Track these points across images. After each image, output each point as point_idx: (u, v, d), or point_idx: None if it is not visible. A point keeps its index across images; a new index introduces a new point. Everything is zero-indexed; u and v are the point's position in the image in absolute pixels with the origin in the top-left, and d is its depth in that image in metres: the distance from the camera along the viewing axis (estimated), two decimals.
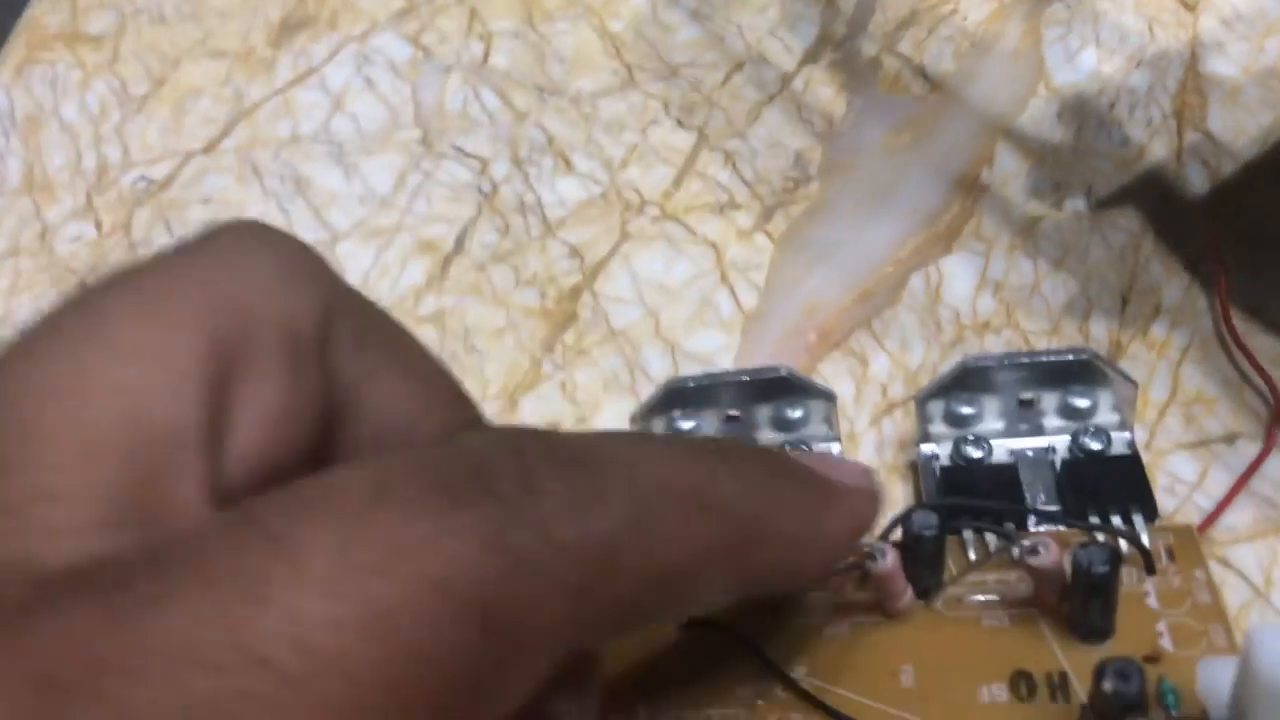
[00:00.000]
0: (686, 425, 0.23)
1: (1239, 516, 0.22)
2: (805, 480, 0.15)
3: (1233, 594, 0.21)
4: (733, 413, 0.23)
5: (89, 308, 0.13)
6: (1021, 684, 0.19)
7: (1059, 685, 0.19)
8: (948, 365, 0.22)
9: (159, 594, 0.10)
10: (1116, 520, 0.21)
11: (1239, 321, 0.24)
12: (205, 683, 0.10)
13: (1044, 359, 0.22)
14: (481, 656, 0.11)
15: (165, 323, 0.12)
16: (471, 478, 0.12)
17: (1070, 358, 0.22)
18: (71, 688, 0.10)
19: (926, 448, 0.23)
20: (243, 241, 0.13)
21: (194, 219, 0.31)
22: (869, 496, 0.16)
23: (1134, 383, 0.22)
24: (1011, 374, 0.22)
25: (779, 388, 0.23)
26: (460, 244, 0.29)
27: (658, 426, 0.23)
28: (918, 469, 0.23)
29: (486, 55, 0.34)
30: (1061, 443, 0.22)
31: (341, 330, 0.14)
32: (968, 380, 0.22)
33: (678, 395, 0.23)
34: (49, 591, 0.11)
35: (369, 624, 0.10)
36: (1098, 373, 0.22)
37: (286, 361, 0.13)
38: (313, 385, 0.13)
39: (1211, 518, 0.21)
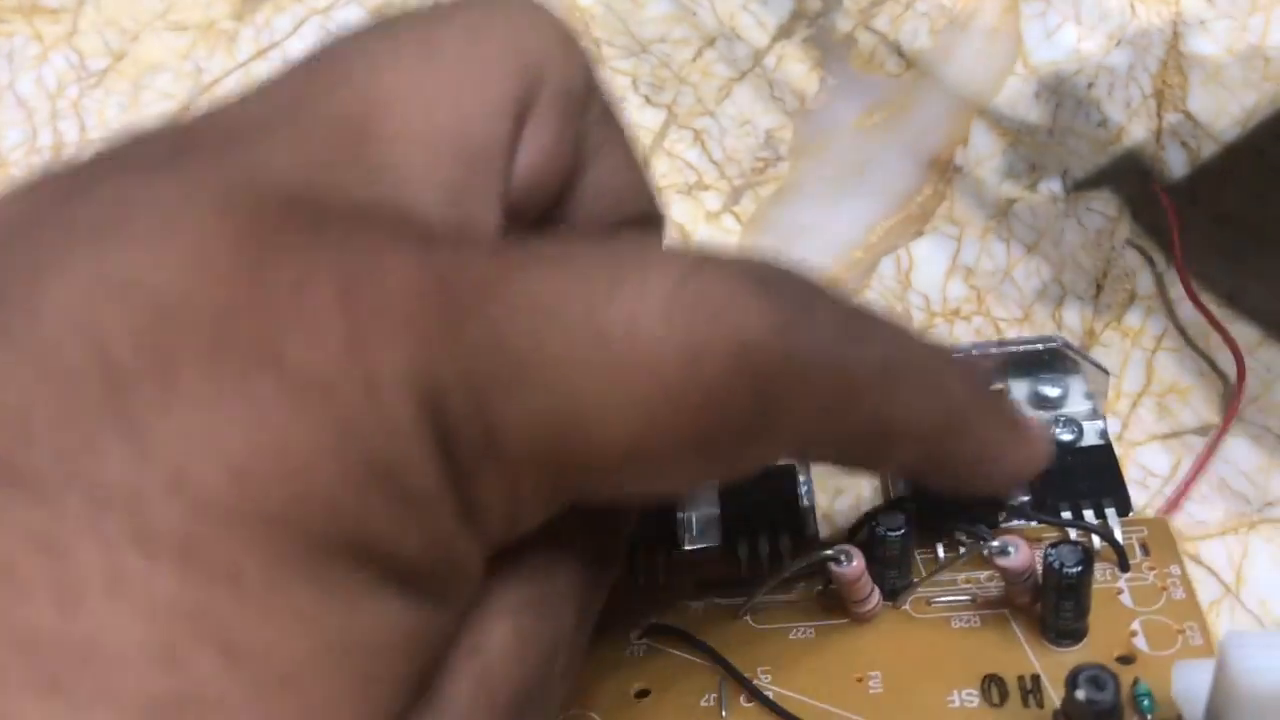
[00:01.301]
0: None
1: (1209, 511, 0.21)
2: (1009, 408, 0.18)
3: (1204, 590, 0.20)
4: None
5: (425, 28, 0.14)
6: (993, 688, 0.18)
7: (1031, 689, 0.18)
8: None
9: (531, 260, 0.12)
10: (1089, 514, 0.20)
11: (1215, 307, 0.24)
12: (561, 347, 0.12)
13: (1014, 348, 0.22)
14: (750, 417, 0.13)
15: (489, 54, 0.14)
16: (774, 275, 0.13)
17: (1040, 347, 0.21)
18: (462, 301, 0.11)
19: None
20: (536, 8, 0.15)
21: None
22: (1045, 456, 0.18)
23: (1106, 371, 0.21)
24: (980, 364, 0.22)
25: None
26: None
27: None
28: None
29: None
30: None
31: (594, 102, 0.15)
32: None
33: None
34: (436, 231, 0.13)
35: (680, 349, 0.12)
36: (1069, 361, 0.21)
37: (560, 114, 0.15)
38: (571, 140, 0.15)
39: (1174, 500, 0.21)
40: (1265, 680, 0.15)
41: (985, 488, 0.18)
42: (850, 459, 0.16)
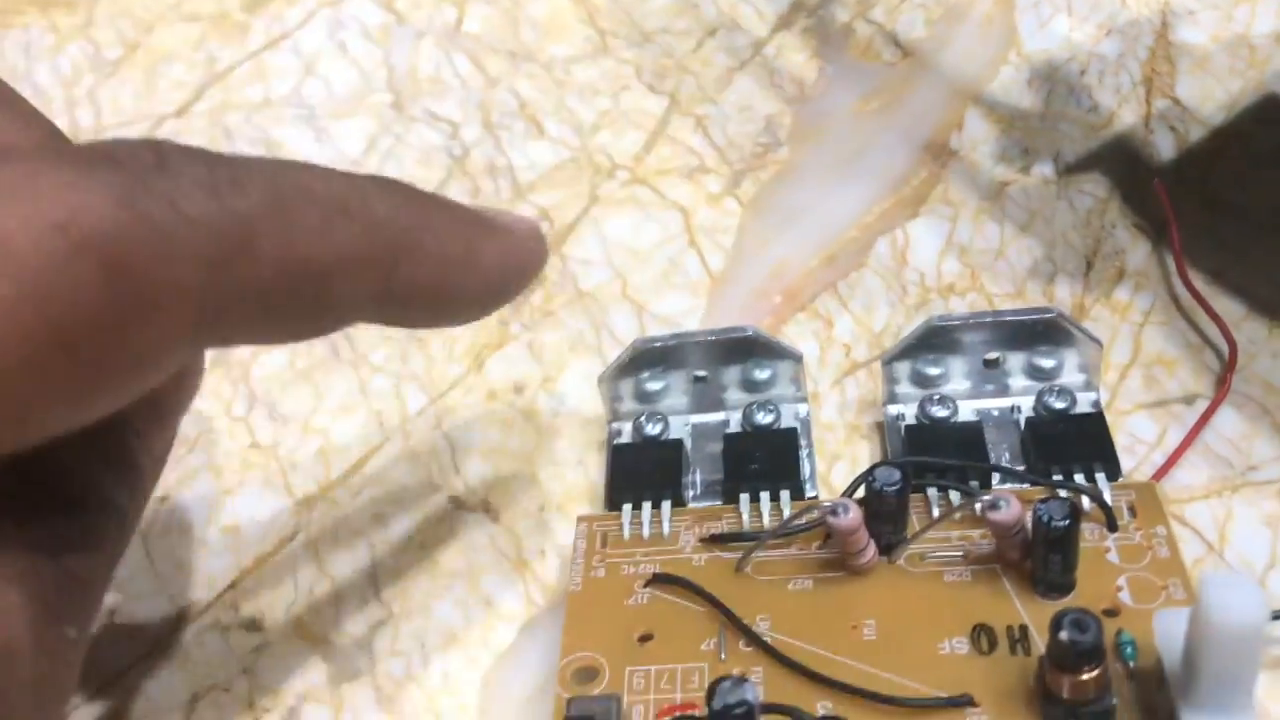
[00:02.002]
0: (655, 386, 0.23)
1: (1194, 475, 0.22)
2: (463, 212, 0.16)
3: (1188, 549, 0.21)
4: (700, 373, 0.23)
5: None
6: (982, 637, 0.19)
7: (1019, 638, 0.19)
8: (913, 326, 0.23)
9: None
10: (1080, 478, 0.21)
11: (1201, 285, 0.24)
12: None
13: (1009, 318, 0.22)
14: (108, 300, 0.12)
15: None
16: (103, 156, 0.13)
17: (1035, 317, 0.22)
18: None
19: (893, 408, 0.23)
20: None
21: None
22: (534, 236, 0.17)
23: (1099, 342, 0.22)
24: (977, 334, 0.22)
25: (746, 348, 0.23)
26: None
27: (625, 387, 0.23)
28: (884, 429, 0.23)
29: (460, 20, 0.34)
30: (1027, 403, 0.23)
31: None
32: (933, 340, 0.22)
33: (645, 356, 0.23)
34: None
35: (23, 241, 0.11)
36: (1063, 332, 0.22)
37: None
38: None
39: (1164, 469, 0.22)
40: (1237, 617, 0.15)
41: (473, 298, 0.16)
42: (292, 317, 0.15)
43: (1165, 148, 0.27)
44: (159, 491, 0.25)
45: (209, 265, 0.13)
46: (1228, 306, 0.24)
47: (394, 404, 0.25)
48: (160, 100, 0.33)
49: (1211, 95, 0.28)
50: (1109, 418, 0.23)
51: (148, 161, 0.13)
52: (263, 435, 0.25)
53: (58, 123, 0.33)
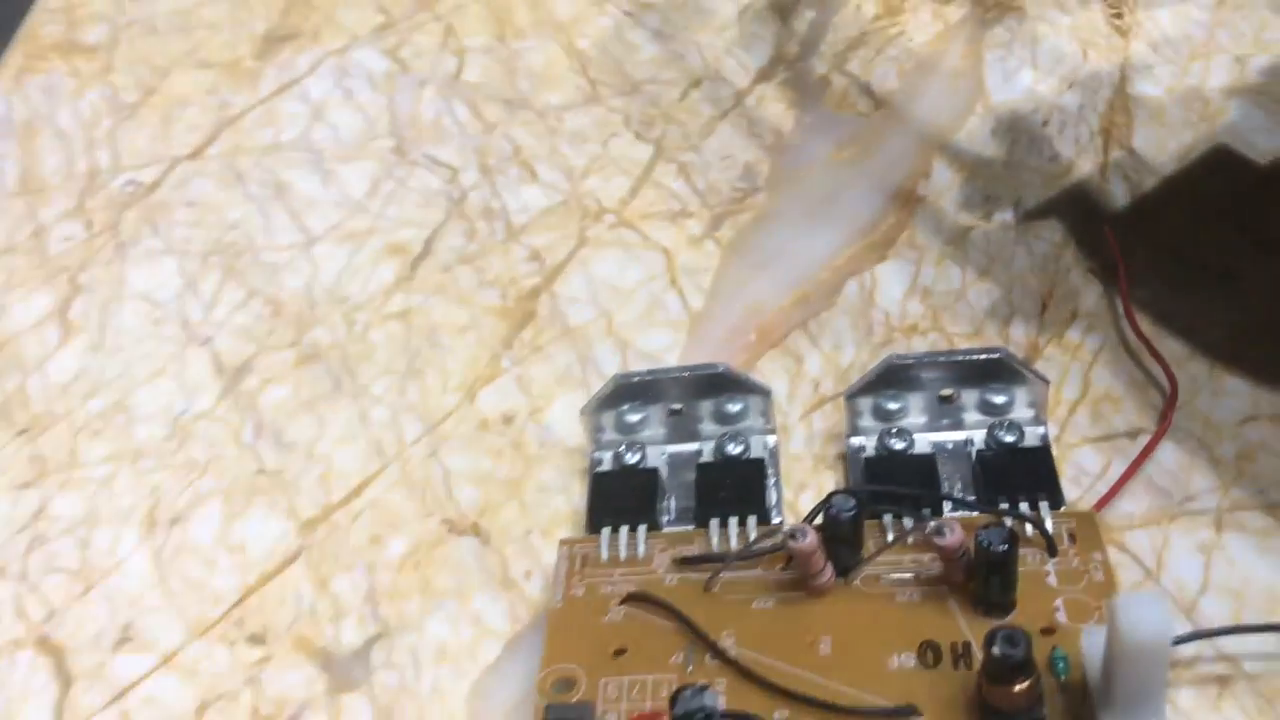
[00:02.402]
0: (634, 418, 0.25)
1: (1135, 505, 0.23)
2: None
3: (1127, 574, 0.22)
4: (675, 406, 0.25)
5: None
6: (929, 652, 0.21)
7: (962, 654, 0.21)
8: (875, 364, 0.24)
9: None
10: (1025, 507, 0.23)
11: (1146, 326, 0.26)
12: None
13: (961, 358, 0.24)
14: None
15: None
16: None
17: (984, 357, 0.24)
18: None
19: (855, 440, 0.25)
20: None
21: (179, 220, 0.33)
22: None
23: (1046, 380, 0.24)
24: (932, 371, 0.24)
25: (718, 383, 0.24)
26: (429, 246, 0.31)
27: (607, 419, 0.25)
28: (847, 460, 0.25)
29: (460, 70, 0.36)
30: (979, 436, 0.24)
31: None
32: (892, 377, 0.24)
33: (625, 390, 0.24)
34: None
35: None
36: (1011, 371, 0.24)
37: None
38: None
39: (1106, 498, 0.23)
40: (1144, 632, 0.17)
41: None
42: None
43: (1119, 196, 0.29)
44: (170, 513, 0.26)
45: None
46: (1172, 347, 0.26)
47: (392, 433, 0.27)
48: (175, 143, 0.35)
49: (1165, 146, 0.30)
50: (1057, 450, 0.24)
51: None
52: (269, 461, 0.27)
53: (78, 164, 0.35)
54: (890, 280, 0.28)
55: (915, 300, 0.28)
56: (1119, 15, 0.34)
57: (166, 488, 0.27)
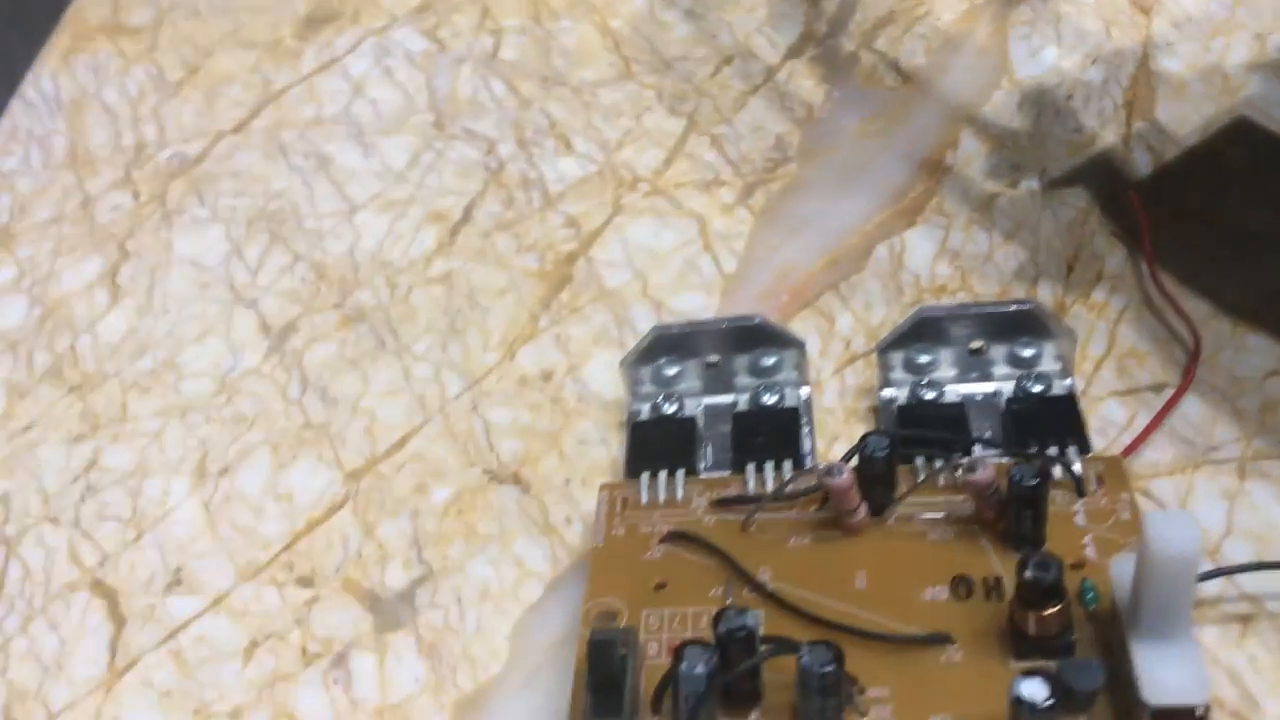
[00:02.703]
0: (671, 371, 0.26)
1: (1160, 454, 0.24)
2: None
3: None
4: (712, 359, 0.26)
5: None
6: (961, 586, 0.21)
7: (993, 587, 0.21)
8: (906, 317, 0.25)
9: None
10: (1053, 453, 0.23)
11: (1171, 287, 0.27)
12: None
13: (992, 310, 0.25)
14: None
15: None
16: None
17: (1015, 308, 0.24)
18: None
19: (887, 392, 0.25)
20: None
21: (225, 190, 0.34)
22: None
23: (1073, 332, 0.24)
24: (962, 324, 0.25)
25: (754, 336, 0.25)
26: (468, 214, 0.32)
27: (645, 372, 0.26)
28: (878, 412, 0.25)
29: (496, 48, 0.37)
30: (1008, 388, 0.25)
31: None
32: (923, 330, 0.25)
33: (663, 341, 0.25)
34: None
35: None
36: (1040, 324, 0.25)
37: None
38: None
39: (1133, 446, 0.24)
40: (1175, 547, 0.17)
41: None
42: None
43: (1143, 164, 0.30)
44: (219, 464, 0.27)
45: None
46: (1195, 306, 0.26)
47: (434, 389, 0.28)
48: (219, 118, 0.36)
49: (1187, 119, 0.31)
50: (1085, 403, 0.25)
51: None
52: (315, 415, 0.28)
53: (125, 138, 0.36)
54: (919, 244, 0.29)
55: (944, 263, 0.28)
56: None
57: (215, 440, 0.28)
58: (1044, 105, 0.32)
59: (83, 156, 0.36)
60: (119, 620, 0.25)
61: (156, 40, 0.40)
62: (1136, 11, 0.34)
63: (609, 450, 0.26)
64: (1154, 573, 0.18)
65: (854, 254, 0.29)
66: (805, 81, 0.34)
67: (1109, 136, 0.31)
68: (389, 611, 0.24)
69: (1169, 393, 0.25)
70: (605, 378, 0.27)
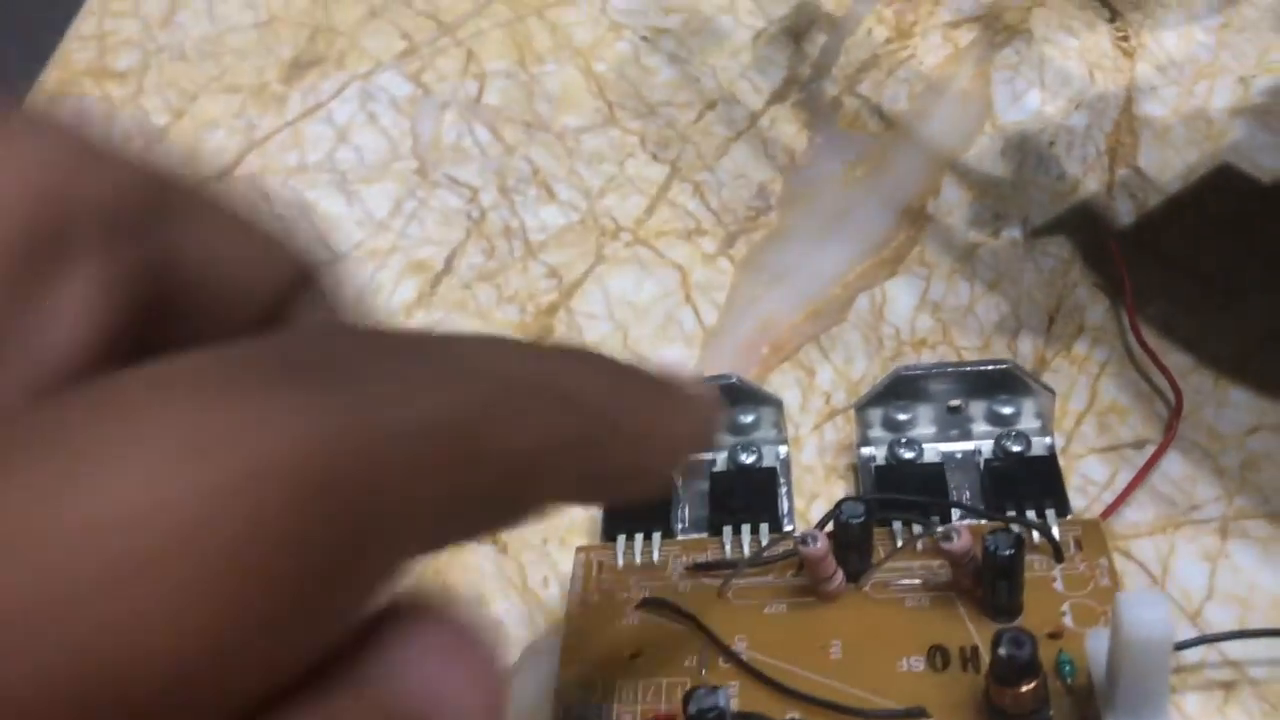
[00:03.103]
0: None
1: (1141, 514, 0.24)
2: (655, 387, 0.15)
3: (1132, 582, 0.23)
4: None
5: None
6: (937, 656, 0.21)
7: (970, 657, 0.21)
8: (884, 376, 0.25)
9: None
10: (1032, 515, 0.23)
11: (1152, 339, 0.26)
12: (12, 574, 0.09)
13: (969, 369, 0.25)
14: (338, 539, 0.10)
15: None
16: (313, 361, 0.11)
17: (992, 368, 0.24)
18: None
19: (865, 450, 0.25)
20: (38, 124, 0.12)
21: None
22: (711, 402, 0.16)
23: (1051, 391, 0.24)
24: (940, 382, 0.25)
25: (731, 394, 0.25)
26: (449, 264, 0.32)
27: None
28: (857, 470, 0.25)
29: (480, 93, 0.37)
30: (987, 446, 0.25)
31: (165, 208, 0.13)
32: (901, 388, 0.25)
33: None
34: None
35: (205, 506, 0.09)
36: (1019, 382, 0.24)
37: (104, 247, 0.12)
38: (137, 269, 0.12)
39: (1113, 507, 0.24)
40: (1146, 631, 0.17)
41: (657, 472, 0.15)
42: (498, 517, 0.12)
43: (1125, 213, 0.30)
44: None
45: (431, 476, 0.11)
46: (1178, 359, 0.26)
47: None
48: (203, 164, 0.36)
49: (1170, 165, 0.31)
50: (1065, 460, 0.25)
51: (360, 363, 0.11)
52: None
53: None
54: (900, 296, 0.29)
55: (925, 315, 0.28)
56: (1125, 38, 0.35)
57: None
58: (1027, 152, 0.32)
59: None
60: None
61: (142, 84, 0.40)
62: (1120, 55, 0.34)
63: (587, 508, 0.26)
64: (1128, 655, 0.18)
65: (835, 305, 0.29)
66: (788, 127, 0.34)
67: (1092, 184, 0.31)
68: None
69: (1150, 449, 0.25)
70: None
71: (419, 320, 0.30)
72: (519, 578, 0.25)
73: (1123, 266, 0.28)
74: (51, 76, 0.41)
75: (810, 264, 0.30)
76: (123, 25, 0.42)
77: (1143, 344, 0.26)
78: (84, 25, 0.42)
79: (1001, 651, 0.19)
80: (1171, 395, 0.26)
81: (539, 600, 0.25)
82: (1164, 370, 0.26)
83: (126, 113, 0.39)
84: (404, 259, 0.32)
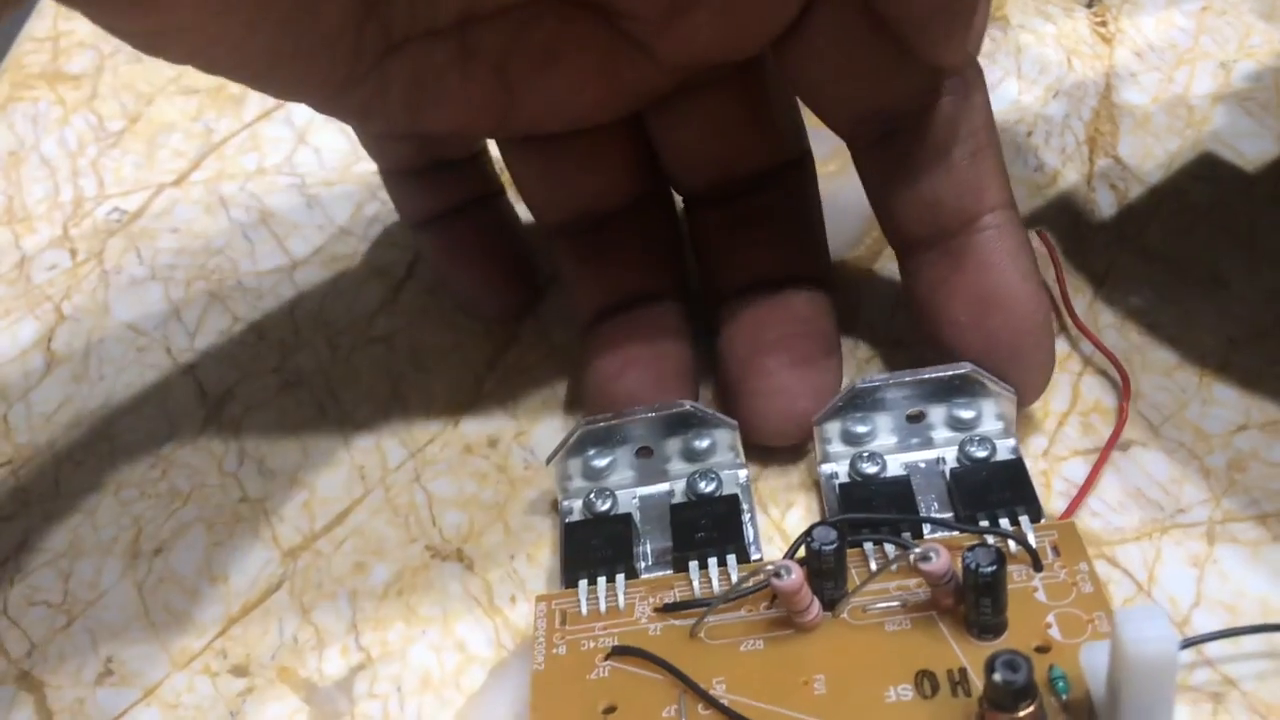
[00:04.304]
0: (601, 463, 0.24)
1: (1126, 518, 0.23)
2: None
3: (1118, 589, 0.22)
4: (643, 446, 0.24)
5: None
6: (925, 682, 0.20)
7: (959, 681, 0.20)
8: (840, 393, 0.24)
9: None
10: (1004, 521, 0.22)
11: (1136, 335, 0.26)
12: None
13: (927, 376, 0.23)
14: None
15: None
16: None
17: (950, 373, 0.23)
18: None
19: (826, 467, 0.24)
20: None
21: (163, 247, 0.33)
22: None
23: (1012, 392, 0.23)
24: (898, 391, 0.23)
25: (684, 421, 0.24)
26: (411, 270, 0.31)
27: (574, 467, 0.24)
28: (820, 487, 0.24)
29: None
30: (950, 453, 0.24)
31: None
32: (859, 401, 0.24)
33: (590, 437, 0.24)
34: None
35: None
36: (978, 385, 0.23)
37: None
38: None
39: (1077, 499, 0.23)
40: (1151, 648, 0.16)
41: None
42: None
43: (1106, 204, 0.29)
44: (153, 544, 0.26)
45: None
46: (1161, 356, 0.26)
47: (375, 458, 0.27)
48: (160, 170, 0.35)
49: (1151, 153, 0.30)
50: (1046, 463, 0.24)
51: None
52: (252, 489, 0.27)
53: (63, 192, 0.35)
54: (875, 295, 0.28)
55: (901, 315, 0.27)
56: (1103, 23, 0.34)
57: (149, 517, 0.27)
58: (1004, 143, 0.31)
59: (19, 213, 0.35)
60: (46, 716, 0.24)
61: (97, 88, 0.39)
62: (1099, 41, 0.33)
63: (555, 522, 0.25)
64: (1131, 675, 0.17)
65: None
66: None
67: (1071, 175, 0.30)
68: (326, 702, 0.23)
69: (1136, 450, 0.24)
70: (553, 441, 0.26)
71: (381, 327, 0.30)
72: (485, 596, 0.24)
73: (1052, 254, 0.27)
74: (3, 81, 0.39)
75: None
76: (77, 26, 0.41)
77: (1078, 324, 0.26)
78: (37, 26, 0.41)
79: (997, 677, 0.18)
80: (1155, 394, 0.25)
81: (506, 620, 0.24)
82: (1103, 350, 0.25)
83: (80, 118, 0.38)
84: (366, 264, 0.31)
